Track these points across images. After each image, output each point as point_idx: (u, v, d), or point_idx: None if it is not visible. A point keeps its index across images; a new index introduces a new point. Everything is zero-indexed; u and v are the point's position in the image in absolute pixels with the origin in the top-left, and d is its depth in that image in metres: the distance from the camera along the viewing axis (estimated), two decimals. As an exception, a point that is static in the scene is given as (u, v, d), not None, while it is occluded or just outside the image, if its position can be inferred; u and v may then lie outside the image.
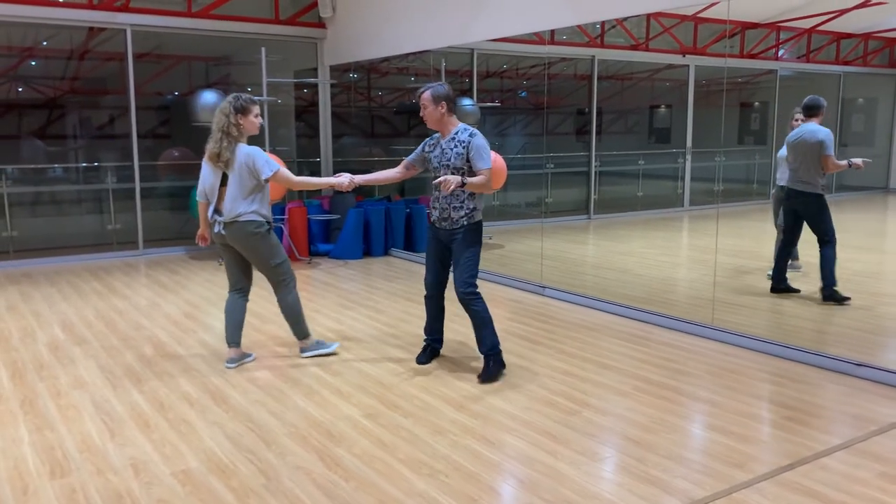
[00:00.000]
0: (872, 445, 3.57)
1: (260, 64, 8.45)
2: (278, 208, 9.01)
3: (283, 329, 5.67)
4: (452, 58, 9.81)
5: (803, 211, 6.18)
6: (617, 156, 11.81)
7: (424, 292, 4.85)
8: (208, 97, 8.68)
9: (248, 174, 4.54)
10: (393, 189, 10.14)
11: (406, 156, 4.87)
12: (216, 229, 4.67)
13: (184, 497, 3.09)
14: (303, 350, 4.97)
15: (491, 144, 4.86)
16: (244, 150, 4.56)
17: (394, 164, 4.95)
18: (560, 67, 11.04)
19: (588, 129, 11.20)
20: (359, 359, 4.94)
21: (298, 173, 10.50)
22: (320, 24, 9.78)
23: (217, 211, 4.68)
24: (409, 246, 9.09)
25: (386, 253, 9.08)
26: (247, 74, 9.92)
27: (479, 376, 4.54)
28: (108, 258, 8.87)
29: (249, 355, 4.95)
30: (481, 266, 4.76)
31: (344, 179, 4.70)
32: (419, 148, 4.80)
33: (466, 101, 9.81)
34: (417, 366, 4.79)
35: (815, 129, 6.06)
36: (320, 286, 7.24)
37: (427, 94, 4.55)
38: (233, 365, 4.79)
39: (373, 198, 9.74)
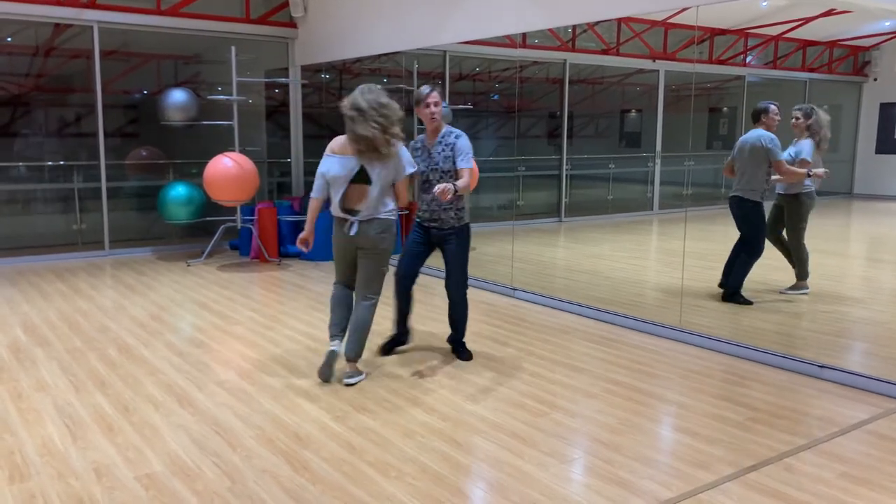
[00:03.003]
0: (835, 446, 3.62)
1: (230, 63, 8.37)
2: (248, 209, 8.93)
3: (252, 331, 5.62)
4: (425, 59, 9.80)
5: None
6: (588, 159, 11.87)
7: (394, 283, 4.94)
8: (177, 96, 8.58)
9: (394, 172, 4.40)
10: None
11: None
12: (350, 230, 4.41)
13: (147, 501, 3.04)
14: (349, 377, 4.46)
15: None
16: (403, 149, 4.45)
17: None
18: (532, 71, 11.08)
19: (559, 132, 11.26)
20: (328, 361, 4.90)
21: (269, 174, 10.51)
22: (291, 23, 9.71)
23: (349, 210, 4.44)
24: (381, 248, 9.03)
25: (357, 255, 9.01)
26: (217, 73, 9.82)
27: (462, 358, 4.97)
28: (73, 259, 8.72)
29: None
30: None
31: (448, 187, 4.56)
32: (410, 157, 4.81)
33: (438, 103, 9.80)
34: (387, 368, 4.76)
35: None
36: (290, 288, 7.18)
37: (437, 94, 4.62)
38: (353, 381, 4.48)
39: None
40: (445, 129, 4.70)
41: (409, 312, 5.06)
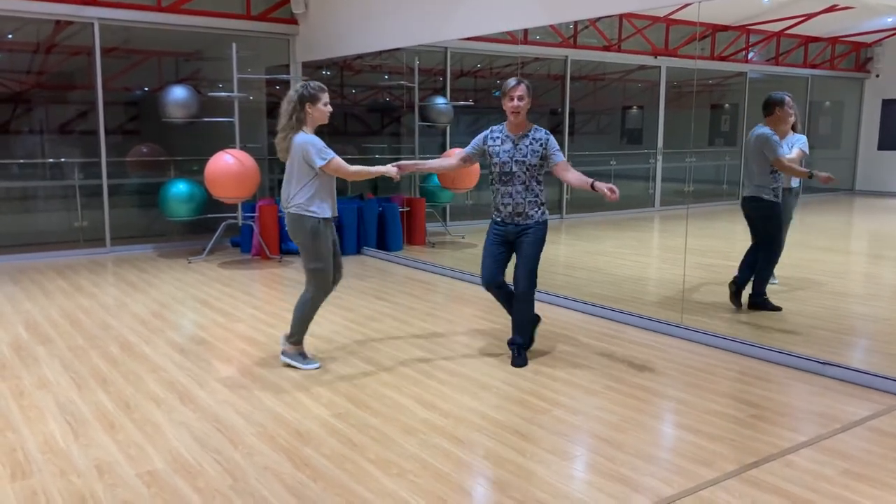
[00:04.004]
0: (837, 443, 3.62)
1: (231, 60, 8.37)
2: (249, 206, 8.93)
3: (253, 328, 5.62)
4: (426, 56, 9.79)
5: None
6: (589, 156, 11.86)
7: (484, 289, 4.87)
8: (178, 93, 8.57)
9: (299, 161, 4.44)
10: (366, 187, 10.09)
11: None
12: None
13: (149, 498, 3.04)
14: (283, 353, 4.73)
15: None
16: (301, 138, 4.45)
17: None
18: (533, 67, 11.06)
19: (561, 129, 11.24)
20: (329, 358, 4.90)
21: (270, 171, 10.50)
22: (292, 20, 9.71)
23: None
24: (382, 245, 9.05)
25: (358, 252, 9.03)
26: (218, 70, 9.81)
27: (512, 363, 4.74)
28: (75, 256, 8.72)
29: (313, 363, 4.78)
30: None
31: (393, 169, 4.67)
32: (478, 141, 4.84)
33: (440, 100, 9.80)
34: (388, 365, 4.76)
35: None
36: (292, 285, 7.18)
37: (524, 87, 4.62)
38: (285, 360, 4.76)
39: (345, 196, 9.68)
40: (532, 125, 4.72)
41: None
